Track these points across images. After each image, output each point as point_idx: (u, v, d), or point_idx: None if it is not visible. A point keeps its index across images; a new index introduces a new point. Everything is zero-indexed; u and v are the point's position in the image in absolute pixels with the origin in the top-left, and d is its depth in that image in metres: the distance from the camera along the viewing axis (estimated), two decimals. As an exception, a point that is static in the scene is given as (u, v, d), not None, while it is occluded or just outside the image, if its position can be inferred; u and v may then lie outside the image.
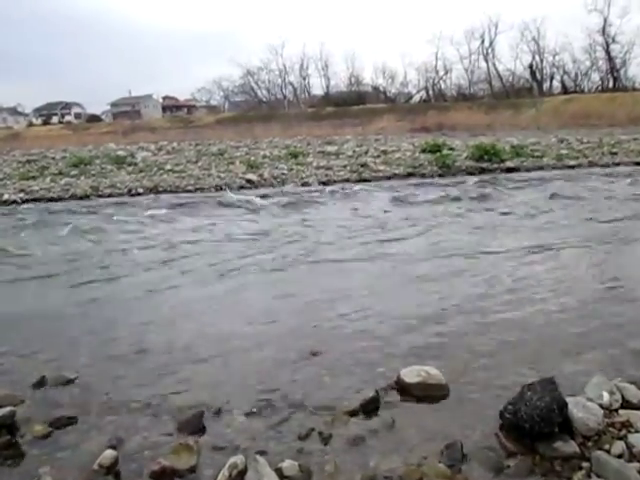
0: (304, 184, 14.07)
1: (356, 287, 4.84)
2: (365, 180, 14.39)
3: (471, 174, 15.00)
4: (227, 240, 7.04)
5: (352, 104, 52.36)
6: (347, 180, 14.38)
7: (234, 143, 27.11)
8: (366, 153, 18.86)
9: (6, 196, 12.70)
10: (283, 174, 14.96)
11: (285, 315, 4.31)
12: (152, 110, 74.31)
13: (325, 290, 4.83)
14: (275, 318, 4.24)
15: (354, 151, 19.47)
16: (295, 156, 18.22)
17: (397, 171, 15.20)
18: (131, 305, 4.58)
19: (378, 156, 18.01)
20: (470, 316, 4.20)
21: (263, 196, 12.13)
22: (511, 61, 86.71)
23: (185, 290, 4.86)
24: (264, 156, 18.82)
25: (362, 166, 15.75)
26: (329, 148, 20.92)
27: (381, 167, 15.64)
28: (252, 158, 17.99)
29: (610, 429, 2.61)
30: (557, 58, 55.72)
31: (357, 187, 13.03)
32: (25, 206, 11.86)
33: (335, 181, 14.34)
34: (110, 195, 13.08)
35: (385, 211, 9.12)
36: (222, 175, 14.85)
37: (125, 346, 3.77)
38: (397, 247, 6.25)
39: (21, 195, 12.84)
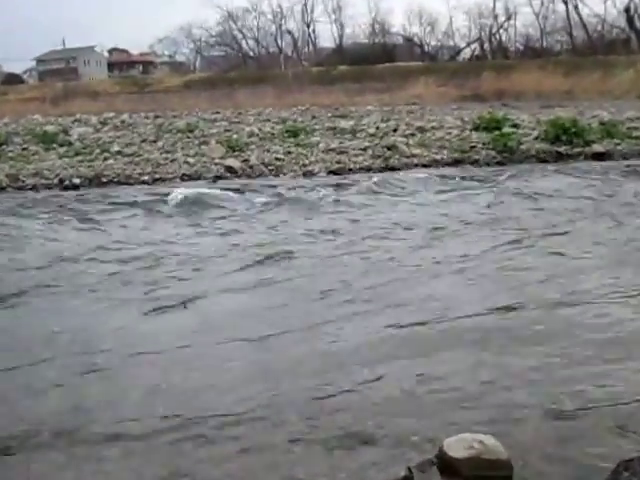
0: (307, 174, 14.39)
1: (370, 339, 5.01)
2: (393, 168, 14.76)
3: (543, 161, 15.28)
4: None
5: (375, 62, 52.54)
6: (368, 169, 14.77)
7: (209, 115, 27.22)
8: (395, 131, 18.98)
9: None
10: (278, 159, 15.26)
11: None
12: (94, 68, 75.07)
13: (334, 340, 5.06)
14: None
15: (378, 128, 19.59)
16: (295, 134, 18.42)
17: (439, 156, 15.73)
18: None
19: (412, 135, 18.19)
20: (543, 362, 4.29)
21: (240, 190, 12.35)
22: (600, 4, 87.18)
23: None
24: (251, 134, 18.99)
25: (389, 149, 16.10)
26: (343, 123, 20.96)
27: (416, 151, 16.03)
28: (234, 136, 18.17)
29: None
30: (666, -2, 55.73)
31: (381, 178, 13.34)
32: None
33: (351, 170, 14.71)
34: (34, 187, 13.35)
35: (435, 231, 8.84)
36: (191, 160, 15.19)
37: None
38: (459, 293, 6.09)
39: None
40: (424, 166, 14.99)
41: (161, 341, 5.05)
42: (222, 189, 12.48)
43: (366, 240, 8.30)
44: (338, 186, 12.73)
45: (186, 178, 14.07)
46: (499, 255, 7.28)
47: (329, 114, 25.91)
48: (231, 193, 12.17)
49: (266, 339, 5.00)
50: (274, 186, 12.86)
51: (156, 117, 26.32)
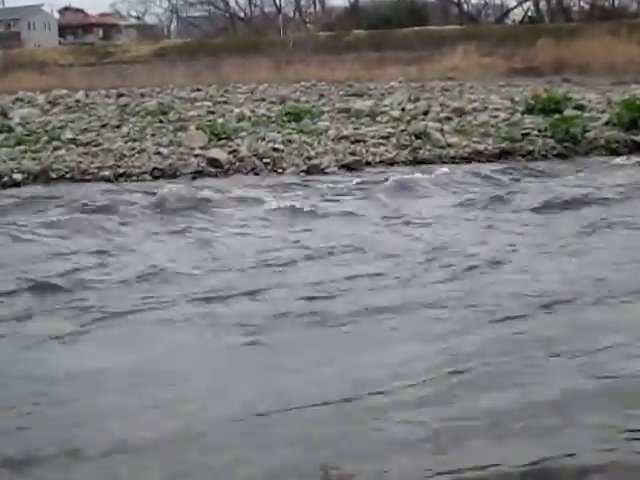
0: (311, 169, 14.53)
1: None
2: (423, 162, 14.94)
3: (616, 153, 15.27)
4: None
5: (400, 25, 52.54)
6: (391, 162, 14.98)
7: (187, 93, 27.30)
8: (426, 114, 19.00)
9: None
10: (275, 150, 15.35)
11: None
12: (41, 33, 75.38)
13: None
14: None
15: (404, 110, 19.60)
16: (297, 118, 18.50)
17: (482, 147, 15.72)
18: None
19: (447, 119, 18.24)
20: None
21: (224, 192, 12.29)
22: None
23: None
24: (241, 117, 18.98)
25: (418, 137, 16.21)
26: (359, 104, 20.95)
27: (453, 139, 16.15)
28: (220, 121, 18.26)
29: None
30: None
31: (401, 178, 13.32)
32: None
33: (369, 163, 14.90)
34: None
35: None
36: (165, 151, 15.31)
37: None
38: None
39: None
40: (463, 159, 15.17)
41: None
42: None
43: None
44: (344, 186, 12.83)
45: (158, 174, 14.23)
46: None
47: (341, 92, 25.95)
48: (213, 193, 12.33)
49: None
50: (270, 187, 12.93)
51: (120, 96, 26.30)
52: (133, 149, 15.50)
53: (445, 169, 14.00)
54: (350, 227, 10.04)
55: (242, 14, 72.32)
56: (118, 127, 18.29)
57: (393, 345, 5.84)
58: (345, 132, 16.77)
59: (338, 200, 11.94)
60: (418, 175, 13.42)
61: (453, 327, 6.12)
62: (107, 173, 14.16)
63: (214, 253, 8.99)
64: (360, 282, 7.48)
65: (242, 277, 7.83)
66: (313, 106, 20.80)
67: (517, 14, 64.58)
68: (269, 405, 4.89)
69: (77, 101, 24.15)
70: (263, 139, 16.25)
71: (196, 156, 14.92)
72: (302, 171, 14.54)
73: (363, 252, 8.69)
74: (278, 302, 6.91)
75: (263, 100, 23.53)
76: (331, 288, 7.26)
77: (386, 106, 20.47)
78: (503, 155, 15.36)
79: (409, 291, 7.21)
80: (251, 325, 6.34)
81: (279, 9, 68.86)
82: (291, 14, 69.55)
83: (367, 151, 15.41)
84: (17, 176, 13.68)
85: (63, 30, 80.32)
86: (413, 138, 16.13)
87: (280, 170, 14.60)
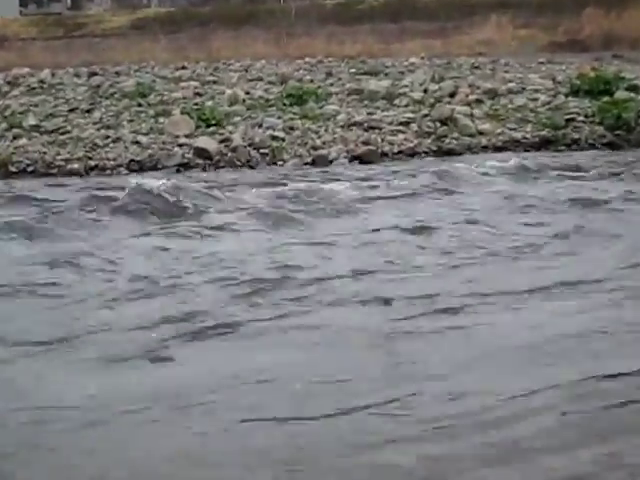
0: (317, 161, 15.08)
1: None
2: (450, 152, 15.67)
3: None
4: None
5: (422, -10, 52.27)
6: (412, 153, 15.67)
7: (171, 71, 27.20)
8: (452, 96, 19.11)
9: None
10: (275, 138, 15.87)
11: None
12: (-1, 1, 75.11)
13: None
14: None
15: (426, 91, 19.74)
16: (301, 101, 18.85)
17: (519, 134, 16.31)
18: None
19: (478, 102, 18.35)
20: None
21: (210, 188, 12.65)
22: None
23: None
24: (234, 100, 19.19)
25: (444, 123, 16.69)
26: (373, 84, 20.99)
27: (485, 126, 16.82)
28: (209, 104, 18.46)
29: None
30: None
31: (433, 168, 13.53)
32: None
33: (385, 154, 15.59)
34: None
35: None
36: (144, 140, 15.98)
37: None
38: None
39: None
40: (497, 149, 15.76)
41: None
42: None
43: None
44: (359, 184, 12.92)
45: (136, 167, 14.69)
46: None
47: (352, 70, 25.85)
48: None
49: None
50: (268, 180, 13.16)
51: (91, 75, 26.10)
52: (107, 138, 15.66)
53: (475, 159, 14.08)
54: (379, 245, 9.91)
55: (235, -22, 72.01)
56: (89, 112, 18.32)
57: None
58: (357, 117, 16.89)
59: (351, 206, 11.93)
60: (445, 168, 13.51)
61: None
62: (76, 166, 14.44)
63: (195, 264, 9.12)
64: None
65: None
66: (319, 87, 20.90)
67: (560, -22, 64.03)
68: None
69: (41, 81, 24.16)
70: (260, 125, 16.47)
71: (181, 146, 15.18)
72: (306, 163, 14.90)
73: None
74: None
75: (260, 80, 23.52)
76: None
77: (405, 87, 20.51)
78: (543, 144, 15.69)
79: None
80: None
81: (279, -28, 68.47)
82: (293, -22, 69.12)
83: (383, 140, 15.68)
84: (-30, 168, 13.62)
85: (24, -2, 79.99)
86: (437, 124, 16.31)
87: (280, 162, 14.93)
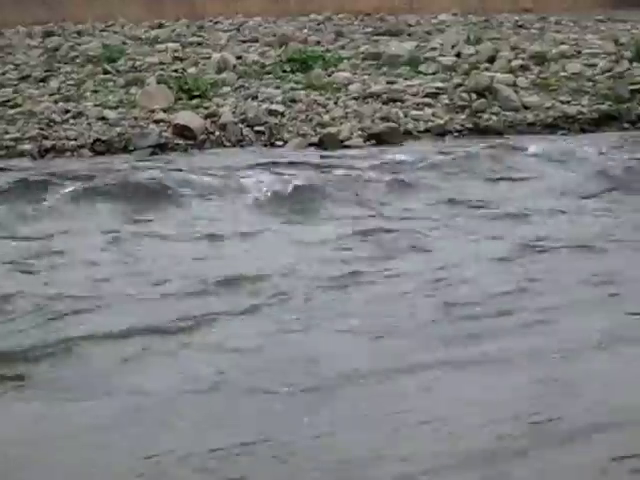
0: (325, 141, 14.26)
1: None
2: (488, 131, 14.87)
3: None
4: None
5: None
6: (442, 132, 14.82)
7: (144, 31, 26.39)
8: (491, 61, 18.30)
9: None
10: (273, 113, 15.20)
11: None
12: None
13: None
14: None
15: (459, 55, 19.07)
16: (305, 66, 18.19)
17: (573, 109, 15.59)
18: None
19: (523, 69, 17.66)
20: None
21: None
22: None
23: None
24: (223, 65, 18.38)
25: (481, 95, 15.80)
26: (394, 46, 20.07)
27: (531, 98, 15.88)
28: (191, 71, 18.02)
29: None
30: None
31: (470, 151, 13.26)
32: None
33: (409, 132, 14.69)
34: None
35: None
36: (112, 115, 15.15)
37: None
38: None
39: None
40: (546, 127, 14.92)
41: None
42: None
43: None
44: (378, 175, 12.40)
45: (102, 148, 13.98)
46: None
47: (368, 29, 24.83)
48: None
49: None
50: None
51: (47, 35, 25.34)
52: (66, 112, 15.03)
53: (520, 140, 13.83)
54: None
55: None
56: (44, 81, 17.49)
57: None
58: (374, 88, 16.14)
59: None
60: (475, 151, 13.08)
61: None
62: (28, 147, 13.90)
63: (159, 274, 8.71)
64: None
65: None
66: (327, 50, 20.01)
67: None
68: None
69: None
70: (255, 97, 15.80)
71: (157, 122, 14.67)
72: (311, 144, 14.20)
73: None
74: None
75: (255, 41, 22.36)
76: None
77: (434, 50, 19.52)
78: (603, 121, 15.11)
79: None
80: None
81: None
82: None
83: (406, 115, 14.97)
84: None
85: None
86: (473, 96, 15.61)
87: (280, 142, 14.35)
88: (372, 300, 7.91)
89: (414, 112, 15.19)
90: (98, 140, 14.10)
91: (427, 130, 14.72)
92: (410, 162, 13.05)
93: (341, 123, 14.74)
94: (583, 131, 14.93)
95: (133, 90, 16.39)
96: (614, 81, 16.56)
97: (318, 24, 26.91)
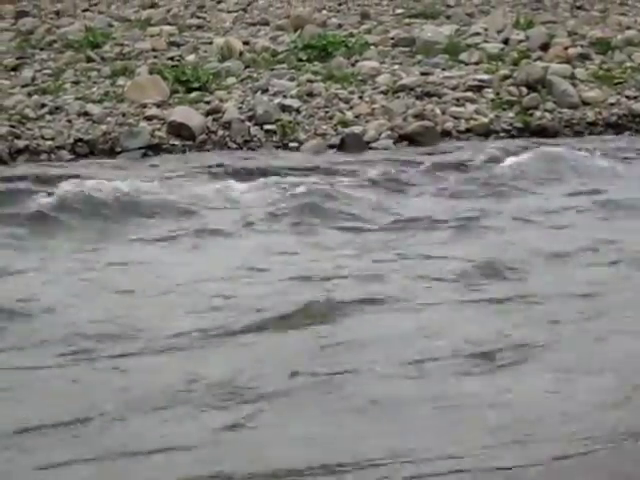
0: (348, 142, 14.15)
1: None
2: (542, 132, 14.61)
3: None
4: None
5: None
6: (486, 132, 14.60)
7: (134, 11, 25.39)
8: (545, 48, 17.73)
9: None
10: (285, 109, 15.09)
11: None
12: None
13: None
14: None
15: (507, 42, 18.54)
16: (325, 54, 17.74)
17: None
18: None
19: (583, 58, 17.24)
20: None
21: None
22: None
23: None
24: (228, 52, 17.98)
25: (532, 88, 15.58)
26: (430, 30, 19.59)
27: (591, 93, 15.68)
28: (189, 59, 17.74)
29: None
30: None
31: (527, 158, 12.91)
32: None
33: (447, 133, 14.53)
34: None
35: None
36: (96, 110, 15.07)
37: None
38: None
39: None
40: (609, 127, 14.74)
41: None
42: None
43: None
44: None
45: (83, 149, 13.92)
46: None
47: (399, 10, 23.59)
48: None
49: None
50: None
51: (20, 15, 24.38)
52: (42, 107, 14.87)
53: (581, 142, 13.66)
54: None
55: None
56: (16, 69, 17.11)
57: None
58: (406, 79, 15.87)
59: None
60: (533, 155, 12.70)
61: None
62: None
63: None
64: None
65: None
66: (351, 34, 19.28)
67: None
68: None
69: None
70: (265, 90, 15.56)
71: (149, 119, 14.53)
72: (332, 146, 14.05)
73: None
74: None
75: (265, 24, 21.45)
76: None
77: (477, 35, 19.00)
78: None
79: None
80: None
81: None
82: None
83: (444, 112, 14.74)
84: None
85: None
86: (524, 90, 15.31)
87: (294, 144, 14.18)
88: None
89: (453, 109, 14.92)
90: (79, 140, 13.90)
91: (468, 130, 14.43)
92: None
93: (367, 121, 14.51)
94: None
95: (121, 81, 16.02)
96: (693, 73, 16.35)
97: (340, 4, 25.29)
